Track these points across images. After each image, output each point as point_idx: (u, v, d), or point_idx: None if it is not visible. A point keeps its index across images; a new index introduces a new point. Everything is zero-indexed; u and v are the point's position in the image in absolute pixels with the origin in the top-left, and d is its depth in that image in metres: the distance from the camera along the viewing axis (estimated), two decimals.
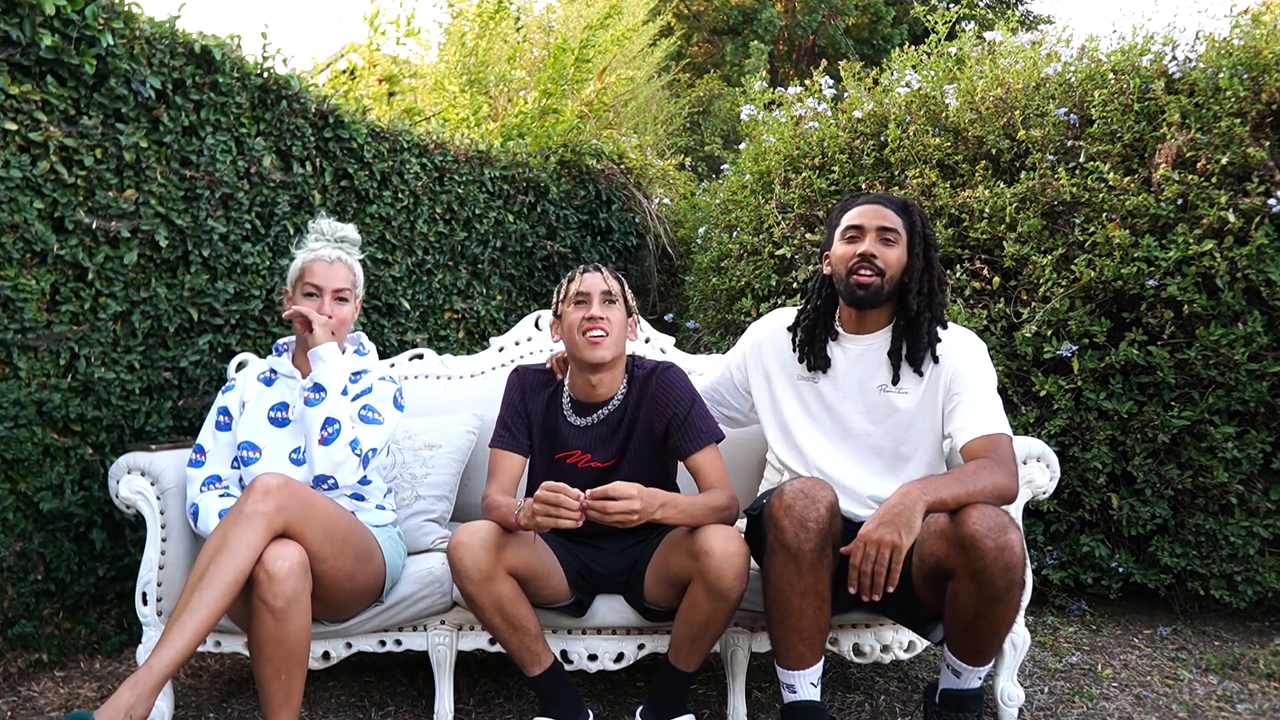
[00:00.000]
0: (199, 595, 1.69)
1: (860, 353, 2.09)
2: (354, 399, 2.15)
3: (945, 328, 2.07)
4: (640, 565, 2.06)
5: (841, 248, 2.06)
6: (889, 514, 1.71)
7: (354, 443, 2.05)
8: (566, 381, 2.15)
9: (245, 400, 2.16)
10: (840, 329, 2.12)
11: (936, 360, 2.03)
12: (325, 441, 2.02)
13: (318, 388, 2.06)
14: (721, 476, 2.04)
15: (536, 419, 2.14)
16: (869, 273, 2.01)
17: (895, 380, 2.04)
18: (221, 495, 2.07)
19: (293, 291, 2.18)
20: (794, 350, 2.16)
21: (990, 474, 1.82)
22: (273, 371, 2.21)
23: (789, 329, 2.19)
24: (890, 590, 1.70)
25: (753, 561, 2.10)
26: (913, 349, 2.03)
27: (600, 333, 2.01)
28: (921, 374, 2.04)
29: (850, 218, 2.07)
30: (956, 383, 2.01)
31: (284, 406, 2.15)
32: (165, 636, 1.66)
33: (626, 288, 2.13)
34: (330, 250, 2.19)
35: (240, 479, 2.13)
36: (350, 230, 2.25)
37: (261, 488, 1.80)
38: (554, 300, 2.14)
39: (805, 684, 1.86)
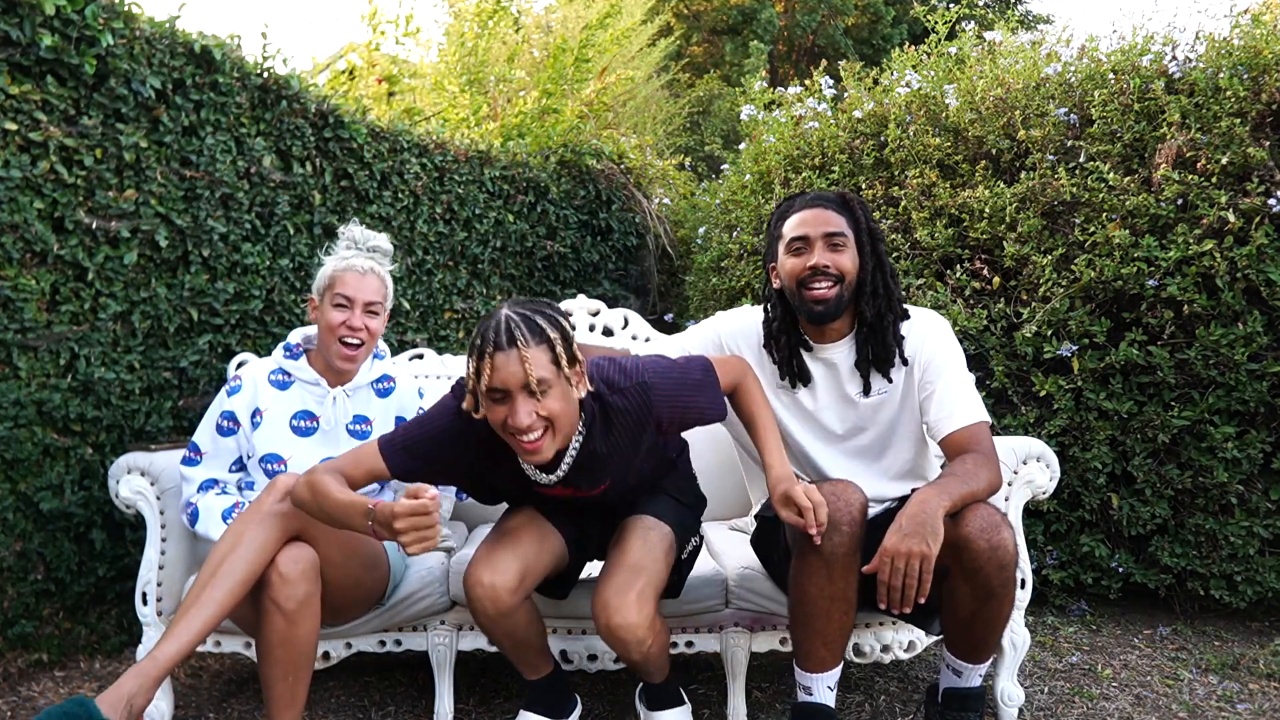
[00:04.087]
0: (209, 591, 1.68)
1: (828, 362, 2.05)
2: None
3: (907, 318, 2.01)
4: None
5: (789, 261, 1.96)
6: (912, 524, 1.66)
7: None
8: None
9: (261, 408, 2.10)
10: (807, 339, 2.07)
11: (906, 363, 1.98)
12: None
13: None
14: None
15: (484, 479, 1.88)
16: (825, 284, 1.91)
17: (866, 391, 2.00)
18: (219, 495, 2.07)
19: (320, 300, 2.11)
20: (773, 364, 2.08)
21: (985, 471, 1.81)
22: (285, 374, 2.15)
23: (764, 346, 2.10)
24: (921, 601, 1.65)
25: (759, 567, 2.10)
26: (879, 356, 1.97)
27: (534, 436, 1.60)
28: (892, 379, 2.00)
29: (792, 227, 1.97)
30: (930, 371, 1.96)
31: (308, 415, 2.10)
32: (172, 629, 1.65)
33: (558, 348, 1.59)
34: (363, 260, 2.13)
35: (239, 483, 2.13)
36: (383, 240, 2.19)
37: (282, 488, 1.79)
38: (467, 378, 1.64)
39: (822, 687, 1.85)
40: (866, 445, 2.06)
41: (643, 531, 1.88)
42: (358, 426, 2.13)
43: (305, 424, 2.10)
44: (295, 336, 2.20)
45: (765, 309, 2.08)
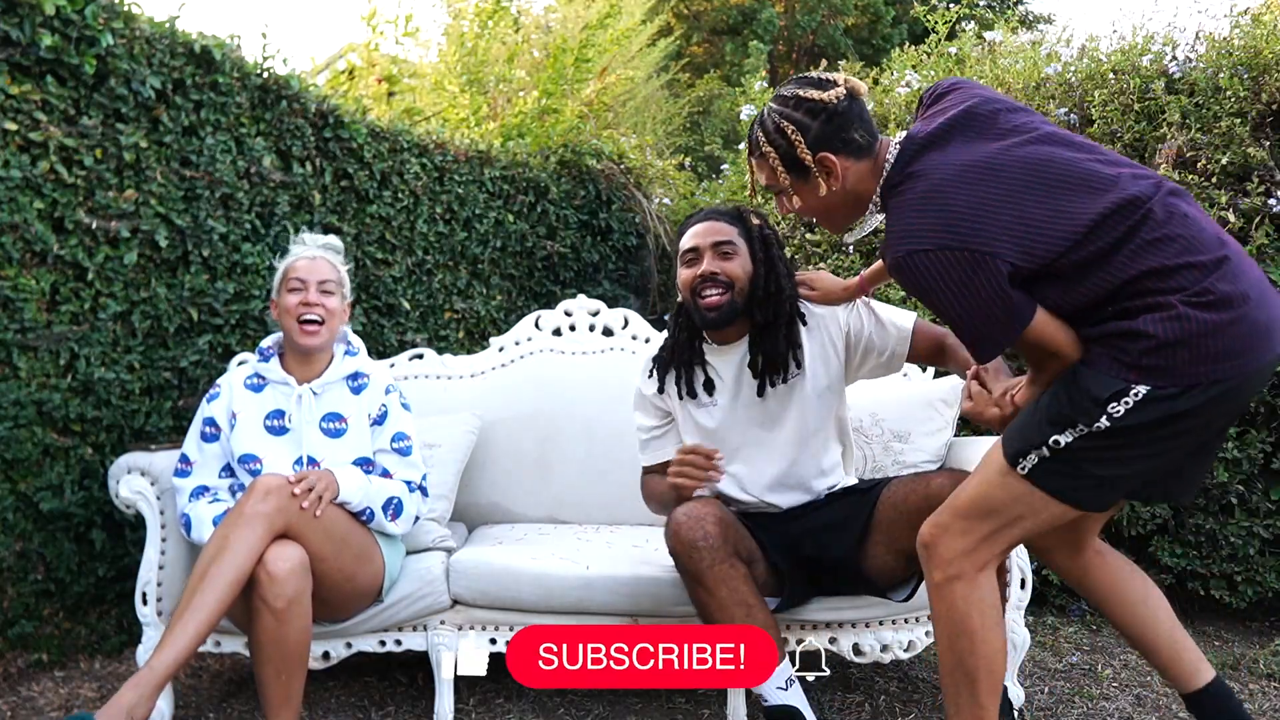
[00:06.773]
0: (200, 596, 1.70)
1: (734, 361, 2.07)
2: (376, 422, 2.17)
3: (804, 323, 2.04)
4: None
5: (683, 272, 2.04)
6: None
7: (396, 504, 2.08)
8: None
9: (235, 410, 2.11)
10: (707, 345, 2.09)
11: (799, 366, 2.01)
12: (395, 517, 2.07)
13: (369, 513, 2.04)
14: None
15: None
16: (715, 291, 1.97)
17: (761, 391, 2.02)
18: (211, 502, 2.07)
19: (278, 295, 2.15)
20: (673, 388, 2.10)
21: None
22: (260, 377, 2.16)
23: (651, 375, 2.15)
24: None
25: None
26: (770, 359, 2.00)
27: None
28: (802, 366, 2.01)
29: (685, 241, 2.04)
30: (856, 325, 2.04)
31: (280, 414, 2.11)
32: (166, 637, 1.66)
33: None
34: (312, 250, 2.19)
35: (230, 488, 2.13)
36: (333, 239, 2.26)
37: (262, 488, 1.81)
38: None
39: (772, 689, 1.86)
40: (790, 436, 2.06)
41: None
42: (330, 424, 2.12)
43: (277, 423, 2.11)
44: (267, 341, 2.22)
45: (670, 328, 2.14)
